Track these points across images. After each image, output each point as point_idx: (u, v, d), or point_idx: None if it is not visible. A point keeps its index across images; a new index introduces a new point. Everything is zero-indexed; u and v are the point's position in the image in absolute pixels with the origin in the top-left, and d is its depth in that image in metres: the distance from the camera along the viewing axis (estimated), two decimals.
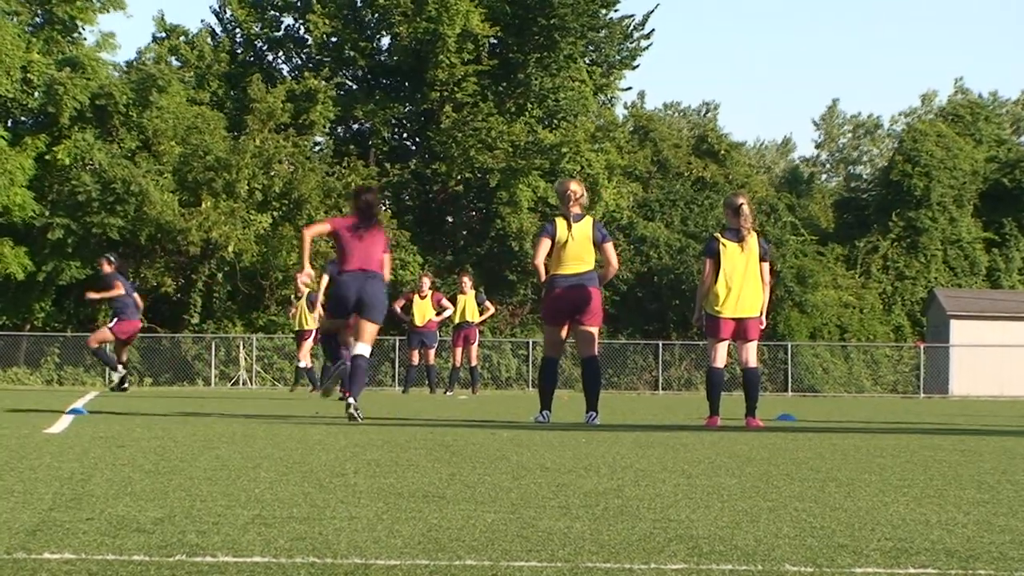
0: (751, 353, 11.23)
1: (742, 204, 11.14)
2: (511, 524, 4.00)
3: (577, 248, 11.10)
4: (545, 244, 11.11)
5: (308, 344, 23.06)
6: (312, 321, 22.39)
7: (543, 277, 11.23)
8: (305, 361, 23.32)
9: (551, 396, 11.36)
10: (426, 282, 24.31)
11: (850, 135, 77.90)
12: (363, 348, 11.16)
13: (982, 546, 3.69)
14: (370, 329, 11.15)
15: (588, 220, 11.22)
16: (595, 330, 11.34)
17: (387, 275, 11.54)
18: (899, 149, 50.71)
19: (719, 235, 11.23)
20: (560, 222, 11.15)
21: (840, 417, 14.62)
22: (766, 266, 11.22)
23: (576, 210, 11.15)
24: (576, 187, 11.30)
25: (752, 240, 11.13)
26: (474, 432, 9.22)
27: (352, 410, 10.74)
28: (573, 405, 15.12)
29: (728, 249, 11.07)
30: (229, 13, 40.82)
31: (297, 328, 23.36)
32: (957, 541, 3.78)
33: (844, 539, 3.78)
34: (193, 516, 4.09)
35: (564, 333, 11.37)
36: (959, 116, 52.99)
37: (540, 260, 11.14)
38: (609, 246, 11.26)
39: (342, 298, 11.24)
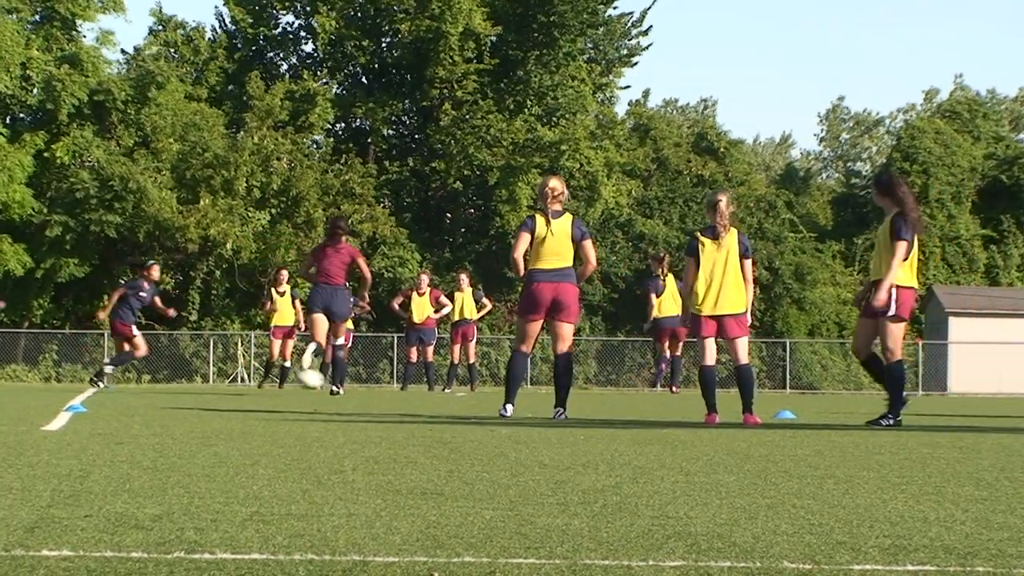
0: (740, 350, 11.19)
1: (719, 201, 11.08)
2: (509, 521, 4.00)
3: (555, 244, 11.22)
4: (524, 239, 11.25)
5: (291, 343, 22.88)
6: (291, 317, 22.34)
7: (521, 271, 11.36)
8: (287, 360, 22.98)
9: (517, 390, 11.47)
10: (424, 279, 24.30)
11: (850, 132, 77.83)
12: (339, 340, 16.10)
13: (980, 543, 3.69)
14: (340, 328, 16.00)
15: (567, 217, 11.34)
16: (571, 327, 11.47)
17: (367, 270, 16.12)
18: (897, 146, 50.71)
19: (699, 234, 11.23)
20: (539, 218, 11.28)
21: (838, 414, 14.62)
22: (748, 263, 11.16)
23: (555, 207, 11.27)
24: (556, 184, 11.39)
25: (730, 237, 11.07)
26: (472, 429, 9.23)
27: (335, 391, 16.02)
28: (573, 401, 15.07)
29: (706, 247, 11.06)
30: (227, 12, 40.66)
31: (279, 323, 22.47)
32: (955, 538, 3.78)
33: (842, 536, 3.78)
34: (191, 513, 4.09)
35: (538, 328, 11.49)
36: (957, 113, 52.98)
37: (519, 254, 11.25)
38: (588, 244, 11.37)
39: (314, 303, 15.77)
